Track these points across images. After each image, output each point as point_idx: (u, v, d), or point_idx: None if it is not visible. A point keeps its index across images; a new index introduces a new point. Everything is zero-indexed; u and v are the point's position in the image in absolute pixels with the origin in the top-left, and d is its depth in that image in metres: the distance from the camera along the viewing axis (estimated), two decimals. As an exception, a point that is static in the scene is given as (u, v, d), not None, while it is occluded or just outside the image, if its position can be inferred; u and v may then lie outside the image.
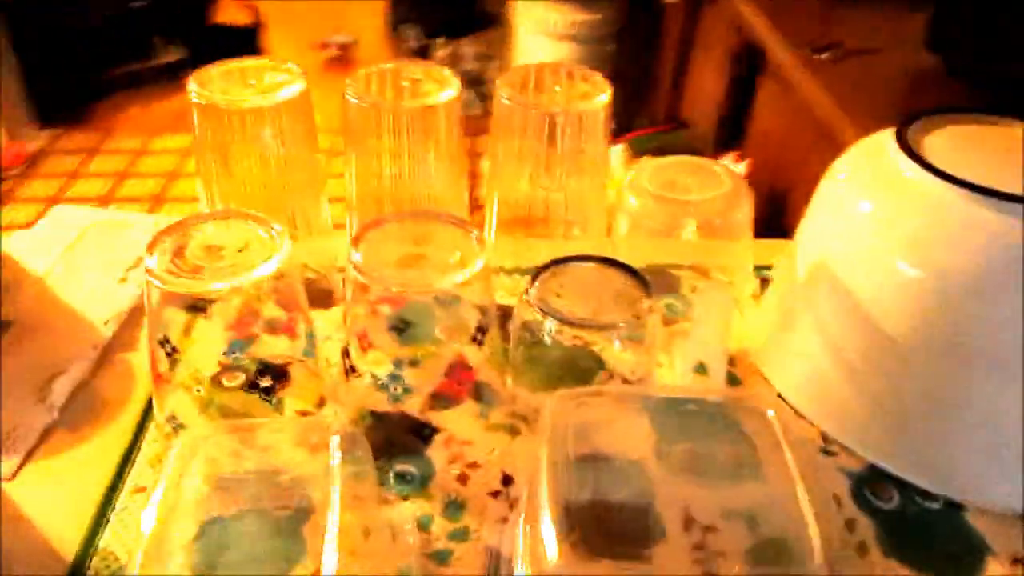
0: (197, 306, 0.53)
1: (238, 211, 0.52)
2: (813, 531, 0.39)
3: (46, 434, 0.55)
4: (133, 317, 0.64)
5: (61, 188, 2.48)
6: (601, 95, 0.55)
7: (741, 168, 1.51)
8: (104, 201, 2.40)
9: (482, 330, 0.52)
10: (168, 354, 0.50)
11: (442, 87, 0.56)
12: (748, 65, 1.66)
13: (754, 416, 0.45)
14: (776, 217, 1.32)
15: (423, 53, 2.71)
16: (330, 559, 0.40)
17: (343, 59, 3.05)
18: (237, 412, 0.55)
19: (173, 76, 2.84)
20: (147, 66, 2.90)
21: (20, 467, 0.52)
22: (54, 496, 0.51)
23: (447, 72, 0.56)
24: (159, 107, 2.81)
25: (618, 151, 1.58)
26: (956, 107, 0.57)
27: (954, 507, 0.51)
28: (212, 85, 0.55)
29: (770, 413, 0.44)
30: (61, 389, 0.57)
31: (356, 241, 0.50)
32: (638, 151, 1.75)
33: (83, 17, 2.71)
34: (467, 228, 0.51)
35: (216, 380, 0.55)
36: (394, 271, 0.50)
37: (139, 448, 0.54)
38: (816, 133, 1.40)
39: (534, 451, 0.47)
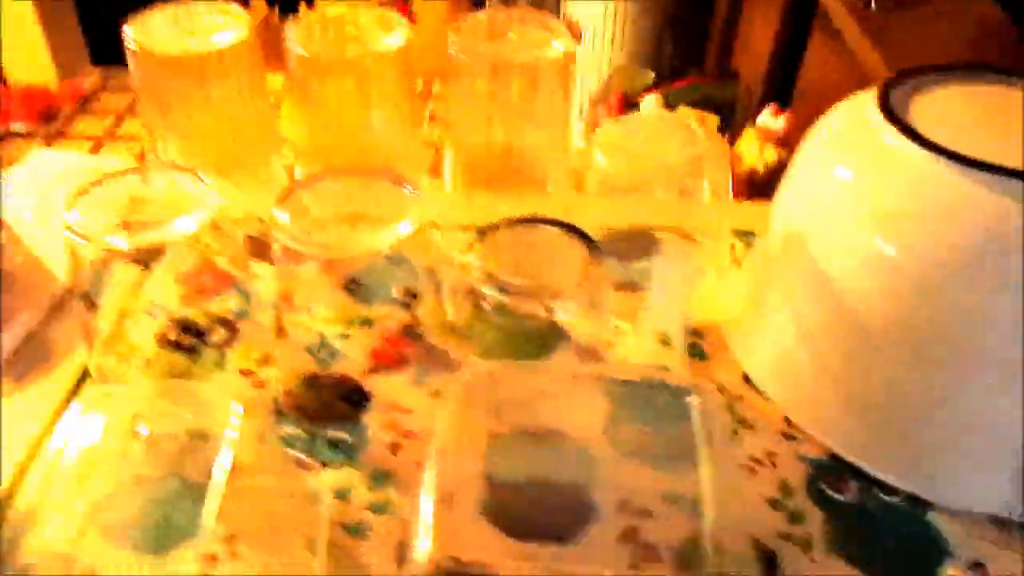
0: (141, 260, 0.52)
1: (168, 164, 0.50)
2: (707, 535, 0.36)
3: (-11, 383, 0.54)
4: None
5: (112, 125, 2.51)
6: (555, 43, 0.51)
7: (780, 122, 1.43)
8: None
9: (413, 295, 0.49)
10: (88, 309, 0.49)
11: (388, 33, 0.52)
12: (801, 16, 1.57)
13: (685, 401, 0.42)
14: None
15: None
16: (209, 523, 0.38)
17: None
18: (177, 372, 0.53)
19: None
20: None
21: (-43, 414, 0.52)
22: (-11, 446, 0.51)
23: (396, 16, 0.53)
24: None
25: (651, 101, 1.51)
26: (957, 64, 0.51)
27: (917, 504, 0.47)
28: (150, 31, 0.52)
29: (688, 399, 0.40)
30: (9, 339, 0.57)
31: (282, 199, 0.48)
32: (678, 101, 1.68)
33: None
34: (403, 184, 0.49)
35: (162, 338, 0.54)
36: (321, 233, 0.47)
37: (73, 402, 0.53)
38: (865, 88, 1.31)
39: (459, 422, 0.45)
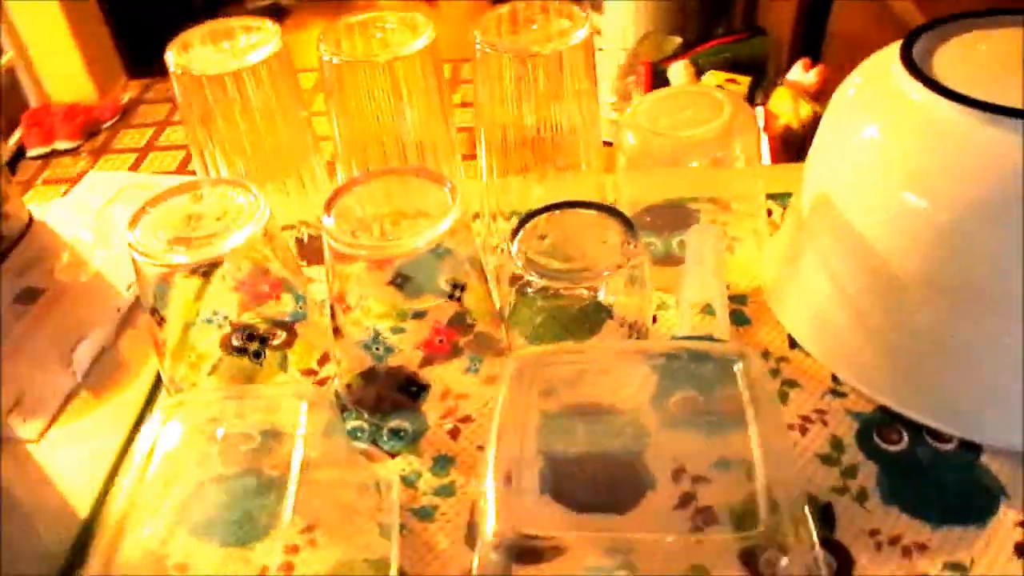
0: (201, 270, 0.55)
1: (218, 179, 0.52)
2: (761, 494, 0.37)
3: (70, 397, 0.58)
4: (154, 280, 0.66)
5: (152, 136, 2.57)
6: (579, 31, 0.52)
7: (812, 76, 1.42)
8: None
9: (459, 287, 0.51)
10: (158, 323, 0.51)
11: (416, 34, 0.54)
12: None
13: (729, 368, 0.43)
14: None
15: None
16: (287, 516, 0.41)
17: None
18: (242, 375, 0.56)
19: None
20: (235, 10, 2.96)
21: (45, 430, 0.56)
22: (75, 455, 0.54)
23: (420, 18, 0.54)
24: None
25: (679, 68, 1.50)
26: (980, 11, 0.51)
27: (969, 449, 0.48)
28: (190, 52, 0.55)
29: (736, 367, 0.42)
30: (84, 354, 0.60)
31: (328, 205, 0.50)
32: (707, 64, 1.67)
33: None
34: (442, 182, 0.50)
35: (226, 343, 0.57)
36: (366, 233, 0.50)
37: (151, 411, 0.56)
38: (897, 35, 1.29)
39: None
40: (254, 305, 0.58)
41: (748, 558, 0.41)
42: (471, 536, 0.47)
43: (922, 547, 0.44)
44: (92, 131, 2.59)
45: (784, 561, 0.39)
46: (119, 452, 0.54)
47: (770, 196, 0.65)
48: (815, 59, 1.48)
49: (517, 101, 0.54)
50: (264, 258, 0.54)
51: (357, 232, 0.49)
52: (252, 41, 0.55)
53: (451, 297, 0.51)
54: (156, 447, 0.47)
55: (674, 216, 0.64)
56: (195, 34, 0.56)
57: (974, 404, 0.48)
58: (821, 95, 1.40)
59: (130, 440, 0.55)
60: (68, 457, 0.54)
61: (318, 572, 0.45)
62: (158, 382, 0.58)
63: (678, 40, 1.81)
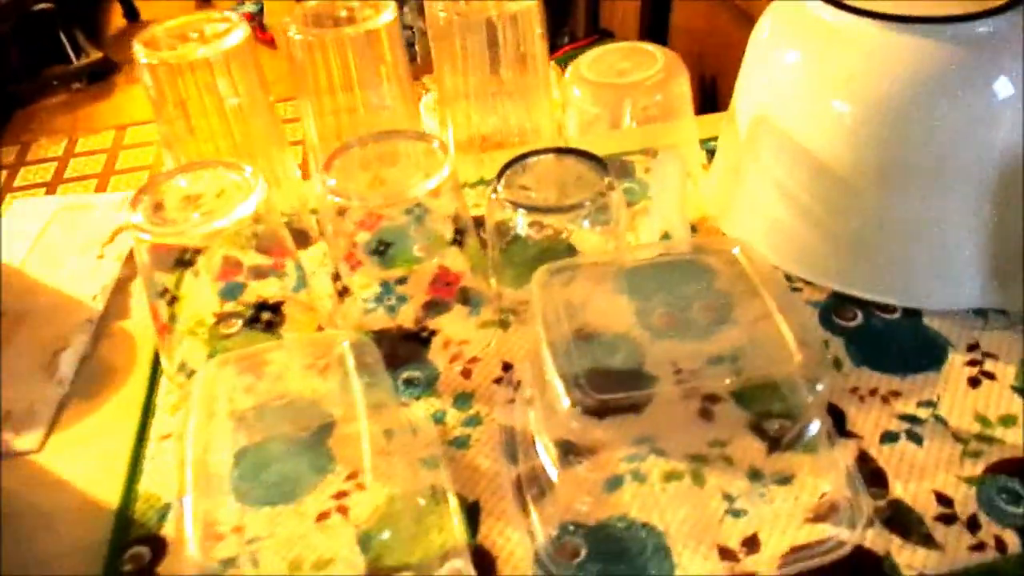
0: (184, 261, 0.56)
1: (208, 161, 0.54)
2: (796, 358, 0.43)
3: (62, 406, 0.57)
4: (120, 288, 0.66)
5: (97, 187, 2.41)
6: (523, -1, 0.57)
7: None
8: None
9: (461, 231, 0.55)
10: (169, 304, 0.52)
11: (378, 11, 0.57)
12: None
13: (723, 259, 0.49)
14: (709, 104, 1.36)
15: None
16: (367, 458, 0.43)
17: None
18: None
19: (95, 77, 2.79)
20: (66, 70, 2.83)
21: (45, 439, 0.55)
22: (85, 457, 0.53)
23: (382, -3, 0.58)
24: (83, 111, 2.75)
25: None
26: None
27: (911, 315, 0.56)
28: (158, 44, 0.56)
29: (735, 251, 0.48)
30: (68, 362, 0.59)
31: (327, 167, 0.52)
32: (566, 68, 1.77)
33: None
34: (429, 140, 0.54)
35: (215, 329, 0.58)
36: (367, 190, 0.53)
37: (155, 401, 0.56)
38: (734, 15, 1.43)
39: (531, 333, 0.50)
40: (251, 284, 0.59)
41: (760, 426, 0.47)
42: (509, 453, 0.51)
43: (896, 394, 0.51)
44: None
45: (809, 400, 0.45)
46: (134, 441, 0.54)
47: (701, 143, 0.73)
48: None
49: (478, 68, 0.58)
50: (257, 236, 0.55)
51: (353, 191, 0.52)
52: (219, 30, 0.57)
53: (453, 242, 0.55)
54: (176, 430, 0.48)
55: (616, 169, 0.70)
56: (157, 29, 0.57)
57: (910, 276, 0.56)
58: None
59: (143, 429, 0.54)
60: (80, 458, 0.53)
61: (376, 508, 0.47)
62: (154, 375, 0.58)
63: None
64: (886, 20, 0.53)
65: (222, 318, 0.59)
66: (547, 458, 0.48)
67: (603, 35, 1.90)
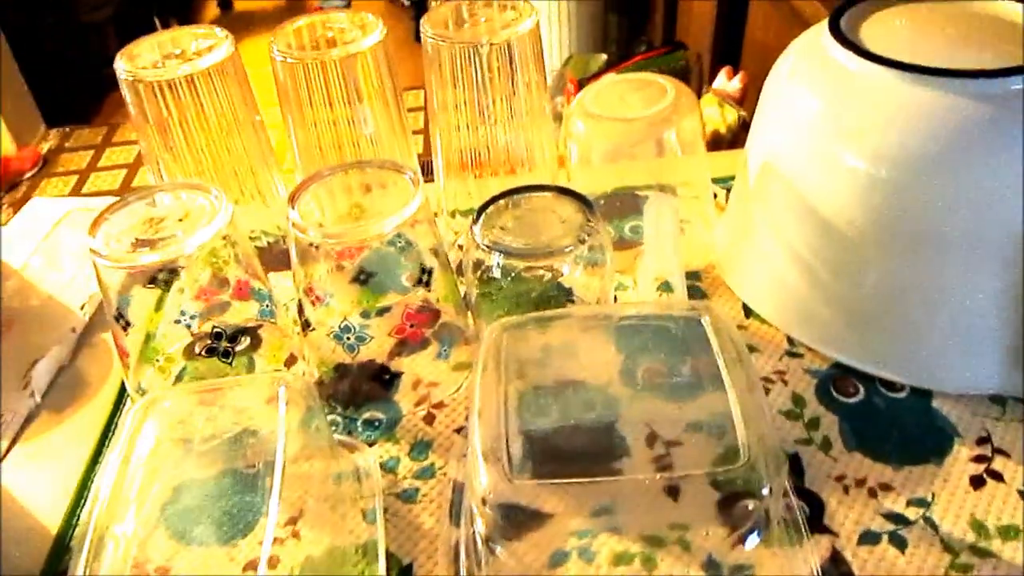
0: (160, 279, 0.55)
1: (178, 183, 0.52)
2: (742, 437, 0.39)
3: (31, 418, 0.57)
4: (108, 298, 0.65)
5: (76, 185, 2.52)
6: (527, 21, 0.54)
7: (736, 83, 1.48)
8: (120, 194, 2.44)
9: (427, 271, 0.52)
10: (123, 328, 0.51)
11: (365, 33, 0.55)
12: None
13: (690, 326, 0.45)
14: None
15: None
16: (274, 506, 0.41)
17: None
18: (210, 377, 0.56)
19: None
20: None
21: (7, 452, 0.54)
22: (41, 476, 0.53)
23: (370, 17, 0.56)
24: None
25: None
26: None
27: (920, 395, 0.51)
28: (139, 60, 0.55)
29: (704, 319, 0.44)
30: (42, 374, 0.59)
31: (293, 199, 0.50)
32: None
33: (80, 12, 2.73)
34: (402, 171, 0.51)
35: (189, 350, 0.57)
36: (333, 224, 0.50)
37: (118, 422, 0.55)
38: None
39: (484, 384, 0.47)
40: (218, 313, 0.57)
41: (725, 511, 0.43)
42: (455, 513, 0.48)
43: (886, 487, 0.46)
44: (13, 183, 2.52)
45: (753, 505, 0.40)
46: (87, 465, 0.53)
47: (714, 181, 0.68)
48: (735, 67, 1.54)
49: (470, 94, 0.55)
50: (225, 261, 0.54)
51: (323, 225, 0.50)
52: (203, 47, 0.55)
53: (419, 282, 0.52)
54: (132, 451, 0.47)
55: (623, 203, 0.66)
56: (143, 44, 0.56)
57: (922, 353, 0.51)
58: (744, 100, 1.45)
59: (97, 453, 0.54)
60: (33, 477, 0.53)
61: (308, 559, 0.45)
62: (121, 396, 0.58)
63: (603, 58, 1.86)
64: (910, 71, 0.47)
65: (198, 338, 0.58)
66: (486, 526, 0.44)
67: (676, 47, 1.84)
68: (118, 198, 0.52)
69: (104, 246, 0.49)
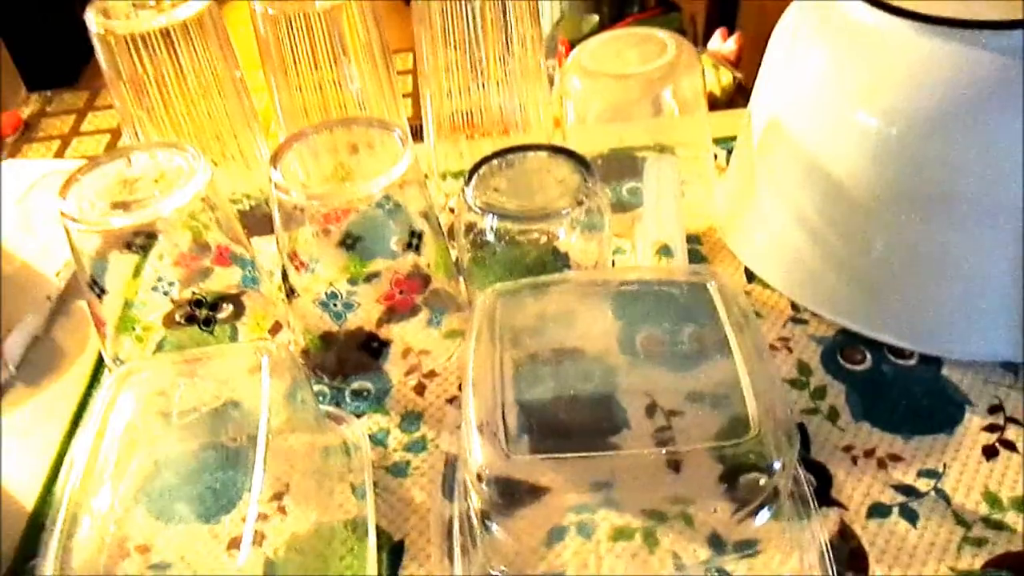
0: (137, 244, 0.52)
1: (154, 142, 0.50)
2: (752, 408, 0.37)
3: (4, 390, 0.54)
4: (84, 265, 0.63)
5: (58, 150, 2.46)
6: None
7: (731, 45, 1.44)
8: (103, 158, 2.39)
9: (417, 235, 0.50)
10: (98, 296, 0.48)
11: (352, -17, 0.52)
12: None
13: (695, 292, 0.43)
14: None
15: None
16: (258, 481, 0.39)
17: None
18: (191, 346, 0.54)
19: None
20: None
21: (-20, 426, 0.52)
22: (15, 452, 0.51)
23: (356, -33, 0.53)
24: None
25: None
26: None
27: (930, 362, 0.49)
28: (111, 12, 0.52)
29: (709, 284, 0.41)
30: (15, 345, 0.56)
31: (275, 159, 0.48)
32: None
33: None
34: (390, 129, 0.49)
35: (169, 319, 0.54)
36: (318, 185, 0.48)
37: (94, 395, 0.53)
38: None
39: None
40: (198, 280, 0.55)
41: (730, 484, 0.41)
42: (448, 487, 0.46)
43: (896, 458, 0.45)
44: (-7, 147, 2.47)
45: (763, 480, 0.38)
46: (63, 440, 0.51)
47: (715, 141, 0.66)
48: (731, 29, 1.51)
49: (462, 50, 0.52)
50: (205, 226, 0.51)
51: (308, 186, 0.47)
52: (178, -2, 0.52)
53: (409, 247, 0.49)
54: (107, 425, 0.45)
55: (621, 165, 0.64)
56: (115, -4, 0.53)
57: (933, 319, 0.49)
58: (740, 63, 1.42)
59: (73, 427, 0.52)
60: (7, 452, 0.51)
61: (294, 535, 0.43)
62: (98, 367, 0.55)
63: (595, 19, 1.82)
64: (925, 22, 0.45)
65: (178, 306, 0.55)
66: (481, 501, 0.43)
67: (670, 7, 1.80)
68: (90, 159, 0.49)
69: (76, 209, 0.46)
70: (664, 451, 0.37)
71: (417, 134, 0.60)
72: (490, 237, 0.50)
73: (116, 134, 2.49)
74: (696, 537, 0.42)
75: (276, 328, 0.56)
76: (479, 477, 0.38)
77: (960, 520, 0.41)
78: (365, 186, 0.46)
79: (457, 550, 0.42)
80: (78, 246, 0.48)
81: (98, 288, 0.48)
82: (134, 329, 0.50)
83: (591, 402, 0.44)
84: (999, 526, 0.41)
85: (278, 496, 0.44)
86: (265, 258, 0.59)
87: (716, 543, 0.41)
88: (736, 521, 0.40)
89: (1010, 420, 0.45)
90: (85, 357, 0.56)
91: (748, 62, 1.43)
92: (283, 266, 0.51)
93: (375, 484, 0.46)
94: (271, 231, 0.61)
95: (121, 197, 0.48)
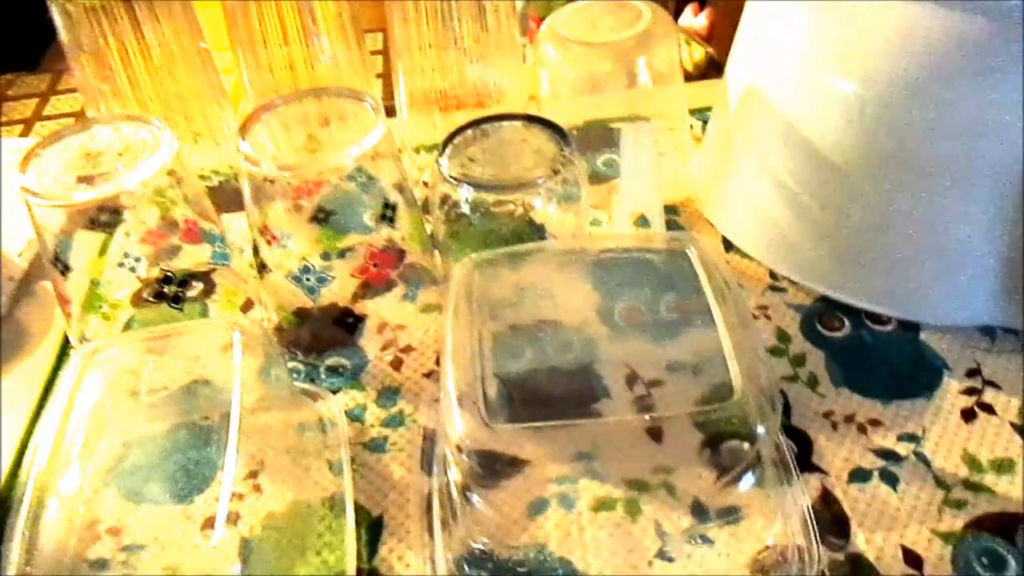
0: (102, 221, 0.50)
1: (117, 114, 0.48)
2: (735, 375, 0.36)
3: (-32, 373, 0.53)
4: (48, 244, 0.61)
5: (21, 133, 2.41)
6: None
7: (702, 20, 1.44)
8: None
9: (391, 207, 0.49)
10: (62, 273, 0.47)
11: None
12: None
13: (675, 259, 0.42)
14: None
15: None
16: (231, 461, 0.38)
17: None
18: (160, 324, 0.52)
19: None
20: None
21: (-57, 410, 0.51)
22: (-19, 434, 0.49)
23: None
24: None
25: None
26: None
27: (908, 328, 0.49)
28: (69, -21, 0.50)
29: (689, 251, 0.41)
30: (-22, 327, 0.55)
31: (244, 130, 0.46)
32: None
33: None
34: (361, 98, 0.48)
35: (137, 297, 0.53)
36: (287, 156, 0.46)
37: (60, 375, 0.52)
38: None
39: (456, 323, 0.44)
40: (166, 257, 0.54)
41: (713, 450, 0.40)
42: (427, 462, 0.45)
43: (875, 423, 0.44)
44: (-47, 132, 2.41)
45: (747, 447, 0.38)
46: (29, 422, 0.49)
47: (690, 112, 0.65)
48: (702, 4, 1.50)
49: (435, 21, 0.51)
50: (173, 201, 0.50)
51: (278, 157, 0.46)
52: (140, -35, 0.51)
53: (383, 218, 0.48)
54: (74, 404, 0.43)
55: (596, 136, 0.63)
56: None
57: (910, 285, 0.49)
58: (712, 38, 1.42)
59: (39, 408, 0.50)
60: (-27, 434, 0.49)
61: (270, 514, 0.42)
62: (64, 348, 0.54)
63: (567, -4, 1.81)
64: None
65: (146, 284, 0.54)
66: (460, 474, 0.42)
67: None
68: (52, 133, 0.48)
69: (37, 184, 0.45)
70: (648, 417, 0.37)
71: (389, 113, 0.59)
72: (465, 209, 0.49)
73: (81, 118, 2.44)
74: (678, 506, 0.42)
75: (248, 306, 0.55)
76: (459, 449, 0.37)
77: (940, 483, 0.41)
78: (337, 156, 0.45)
79: (437, 524, 0.42)
80: (40, 222, 0.46)
81: (62, 265, 0.47)
82: (101, 308, 0.49)
83: (571, 373, 0.43)
84: (978, 488, 0.41)
85: (253, 474, 0.44)
86: (236, 235, 0.58)
87: (698, 511, 0.41)
88: (719, 488, 0.40)
89: (988, 383, 0.46)
90: (51, 338, 0.55)
91: (719, 37, 1.43)
92: (254, 241, 0.50)
93: (352, 460, 0.45)
94: (241, 208, 0.59)
95: (85, 171, 0.46)
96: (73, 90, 2.55)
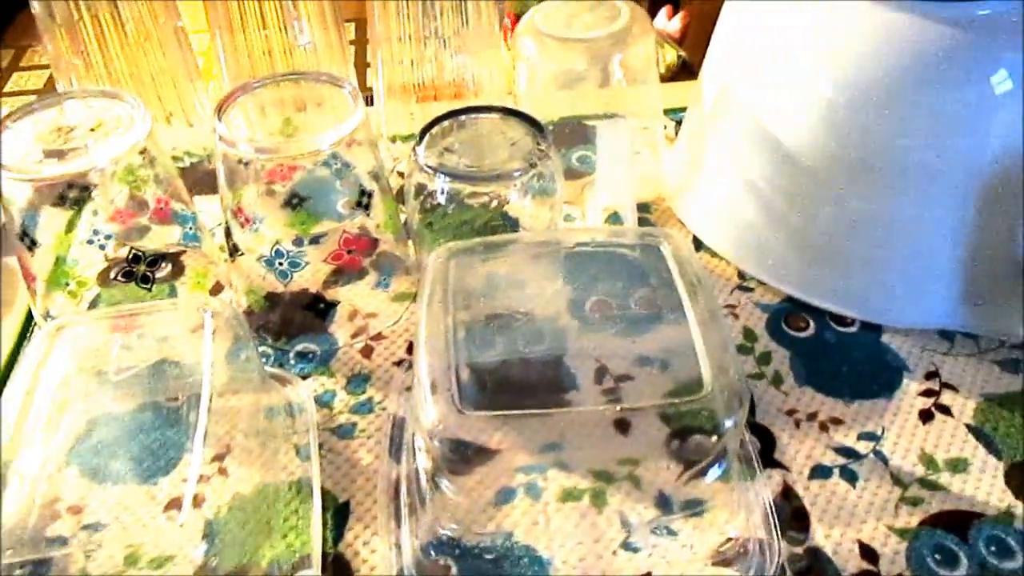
0: (71, 199, 0.50)
1: (89, 89, 0.47)
2: (704, 370, 0.37)
3: (-74, 349, 0.52)
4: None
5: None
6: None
7: (676, 23, 1.45)
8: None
9: (367, 194, 0.49)
10: (29, 248, 0.46)
11: (301, -68, 0.51)
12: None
13: (648, 254, 0.43)
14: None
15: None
16: (199, 442, 0.37)
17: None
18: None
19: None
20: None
21: (-101, 385, 0.49)
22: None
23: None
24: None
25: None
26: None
27: (870, 329, 0.50)
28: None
29: (663, 247, 0.42)
30: (-63, 301, 0.54)
31: (220, 111, 0.46)
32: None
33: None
34: (340, 84, 0.48)
35: (104, 275, 0.52)
36: (263, 138, 0.46)
37: (23, 351, 0.51)
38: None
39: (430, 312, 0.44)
40: (136, 237, 0.53)
41: (680, 445, 0.41)
42: (395, 449, 0.45)
43: (837, 421, 0.45)
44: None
45: (713, 440, 0.39)
46: (-10, 399, 0.48)
47: (665, 112, 0.66)
48: (675, 6, 1.51)
49: (415, 10, 0.51)
50: (144, 180, 0.49)
51: (253, 139, 0.46)
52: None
53: (359, 205, 0.48)
54: (38, 382, 0.43)
55: (571, 133, 0.63)
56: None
57: (874, 288, 0.50)
58: (684, 40, 1.43)
59: (1, 386, 0.49)
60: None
61: (236, 496, 0.42)
62: (27, 325, 0.53)
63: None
64: (877, -7, 0.45)
65: (114, 264, 0.53)
66: (430, 461, 0.42)
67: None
68: (21, 107, 0.47)
69: (4, 156, 0.44)
70: (618, 408, 0.37)
71: (367, 103, 0.59)
72: (440, 199, 0.49)
73: (47, 93, 2.39)
74: (643, 498, 0.42)
75: (217, 289, 0.54)
76: (431, 435, 0.37)
77: (898, 481, 0.42)
78: (314, 140, 0.45)
79: (404, 510, 0.42)
80: (8, 196, 0.45)
81: (28, 239, 0.46)
82: (67, 284, 0.48)
83: (543, 364, 0.44)
84: (934, 486, 0.42)
85: (219, 457, 0.43)
86: (207, 218, 0.57)
87: (663, 503, 0.42)
88: (684, 481, 0.41)
89: (945, 385, 0.47)
90: (14, 315, 0.54)
91: (693, 40, 1.44)
92: (226, 223, 0.49)
93: (320, 445, 0.45)
94: (213, 190, 0.59)
95: (55, 146, 0.45)
96: (37, 67, 2.50)
